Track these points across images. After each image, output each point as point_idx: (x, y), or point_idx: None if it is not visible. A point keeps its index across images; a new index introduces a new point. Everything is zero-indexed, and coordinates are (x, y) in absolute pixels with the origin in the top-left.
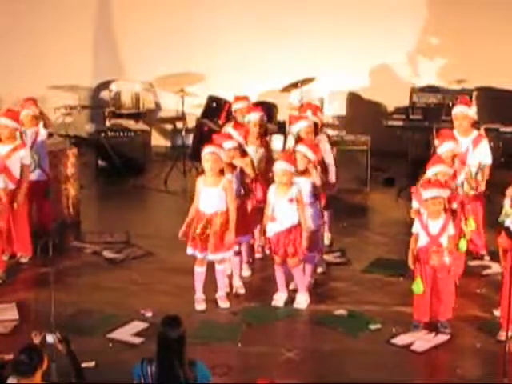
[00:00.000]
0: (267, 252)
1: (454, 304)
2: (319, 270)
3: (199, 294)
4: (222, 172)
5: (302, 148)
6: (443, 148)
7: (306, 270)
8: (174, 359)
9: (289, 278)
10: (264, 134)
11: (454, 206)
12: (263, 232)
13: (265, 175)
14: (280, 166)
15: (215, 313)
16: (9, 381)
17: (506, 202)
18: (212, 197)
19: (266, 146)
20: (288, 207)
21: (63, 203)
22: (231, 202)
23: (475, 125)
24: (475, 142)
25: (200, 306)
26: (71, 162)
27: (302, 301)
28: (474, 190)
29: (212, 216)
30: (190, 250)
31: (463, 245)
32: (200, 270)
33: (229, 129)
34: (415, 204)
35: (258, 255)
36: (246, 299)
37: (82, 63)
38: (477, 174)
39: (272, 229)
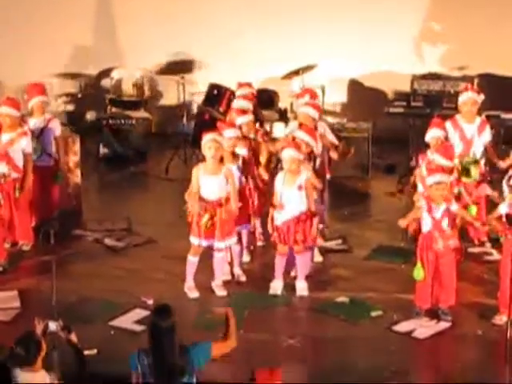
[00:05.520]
0: (272, 240)
1: (455, 290)
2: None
3: (190, 283)
4: (221, 160)
5: (301, 134)
6: (429, 135)
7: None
8: (166, 348)
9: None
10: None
11: (456, 190)
12: (271, 220)
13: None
14: (288, 153)
15: (215, 300)
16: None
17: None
18: (214, 185)
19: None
20: (297, 195)
21: (65, 191)
22: (234, 190)
23: (478, 112)
24: (480, 129)
25: (193, 293)
26: (72, 149)
27: (304, 287)
28: (478, 176)
29: (216, 203)
30: (194, 240)
31: (472, 209)
32: (194, 260)
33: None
34: (420, 188)
35: (259, 243)
36: (246, 286)
37: (82, 51)
38: (481, 159)
39: (280, 217)
